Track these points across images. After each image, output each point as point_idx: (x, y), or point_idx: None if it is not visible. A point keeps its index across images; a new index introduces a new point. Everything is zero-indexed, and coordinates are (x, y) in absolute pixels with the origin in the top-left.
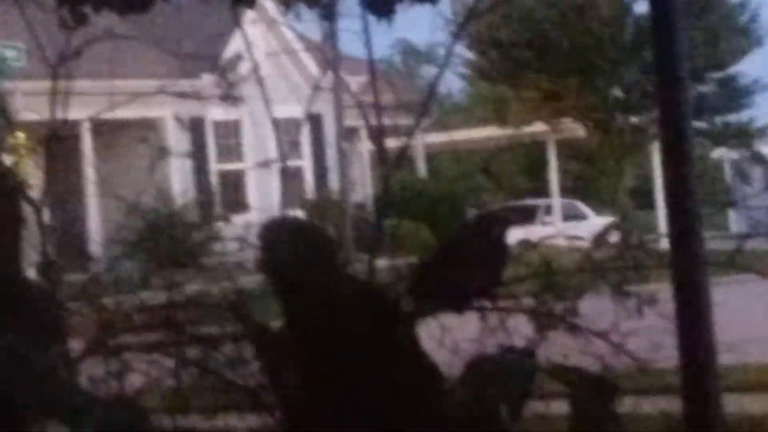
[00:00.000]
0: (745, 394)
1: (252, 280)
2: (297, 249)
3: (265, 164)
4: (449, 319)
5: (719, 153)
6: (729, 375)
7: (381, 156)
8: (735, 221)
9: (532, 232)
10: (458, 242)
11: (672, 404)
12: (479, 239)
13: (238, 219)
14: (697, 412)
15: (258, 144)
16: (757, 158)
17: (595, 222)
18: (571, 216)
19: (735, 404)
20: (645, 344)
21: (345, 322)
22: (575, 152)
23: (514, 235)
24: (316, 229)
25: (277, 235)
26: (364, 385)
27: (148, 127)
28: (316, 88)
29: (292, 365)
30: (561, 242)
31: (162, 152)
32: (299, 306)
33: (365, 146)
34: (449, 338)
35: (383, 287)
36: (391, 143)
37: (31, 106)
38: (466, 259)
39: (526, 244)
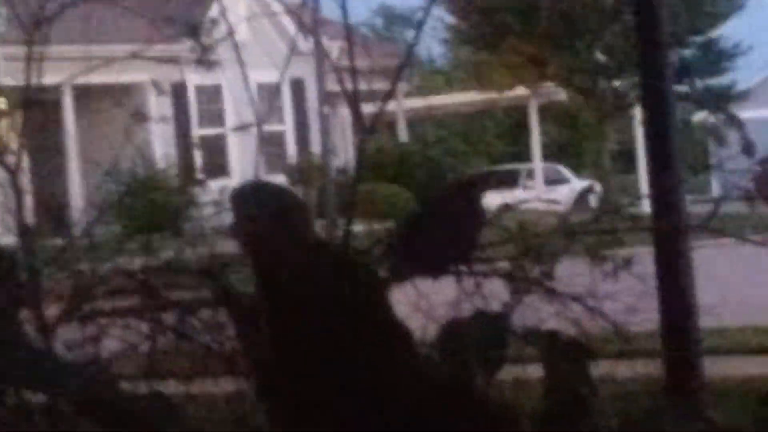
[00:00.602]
0: (724, 356)
1: (229, 245)
2: (269, 214)
3: (241, 128)
4: (425, 283)
5: (701, 117)
6: (708, 338)
7: (357, 121)
8: (717, 185)
9: (514, 196)
10: (435, 207)
11: (649, 367)
12: (456, 204)
13: (219, 183)
14: (676, 375)
15: (240, 109)
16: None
17: (576, 186)
18: (553, 180)
19: (714, 367)
20: (621, 308)
21: (317, 288)
22: (557, 117)
23: (496, 200)
24: (289, 194)
25: (249, 201)
26: (336, 352)
27: (131, 92)
28: (293, 51)
29: (265, 331)
30: (540, 206)
31: (139, 117)
32: (271, 272)
33: (347, 111)
34: (425, 303)
35: (358, 252)
36: (371, 109)
37: (9, 70)
38: (443, 224)
39: (505, 208)
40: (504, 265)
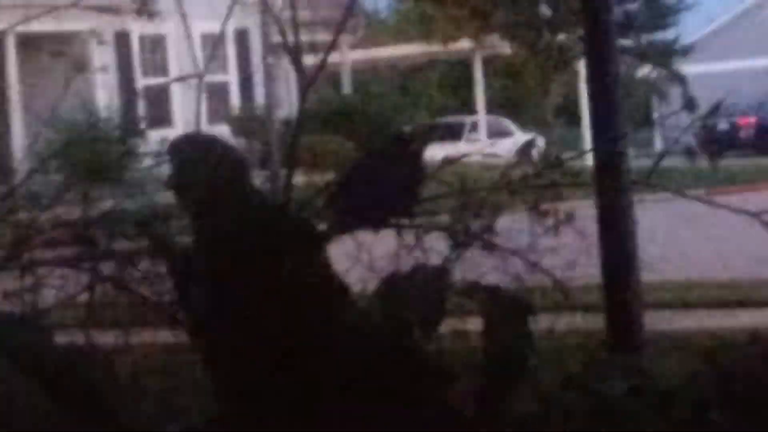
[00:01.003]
0: (665, 310)
1: (169, 196)
2: (206, 166)
3: (184, 78)
4: (365, 236)
5: (644, 71)
6: (648, 292)
7: (298, 72)
8: (659, 140)
9: (458, 148)
10: (376, 160)
11: (589, 321)
12: (397, 157)
13: (162, 133)
14: (617, 329)
15: (184, 59)
16: (676, 77)
17: (520, 139)
18: (496, 133)
19: (654, 321)
20: (562, 262)
21: (253, 239)
22: (501, 69)
23: (439, 152)
24: (226, 146)
25: (186, 152)
26: (272, 305)
27: (74, 41)
28: (236, 1)
29: (201, 283)
30: (482, 159)
31: (79, 66)
32: (208, 224)
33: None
34: (365, 256)
35: (298, 204)
36: (315, 60)
37: None
38: (384, 177)
39: (447, 161)
40: (445, 219)
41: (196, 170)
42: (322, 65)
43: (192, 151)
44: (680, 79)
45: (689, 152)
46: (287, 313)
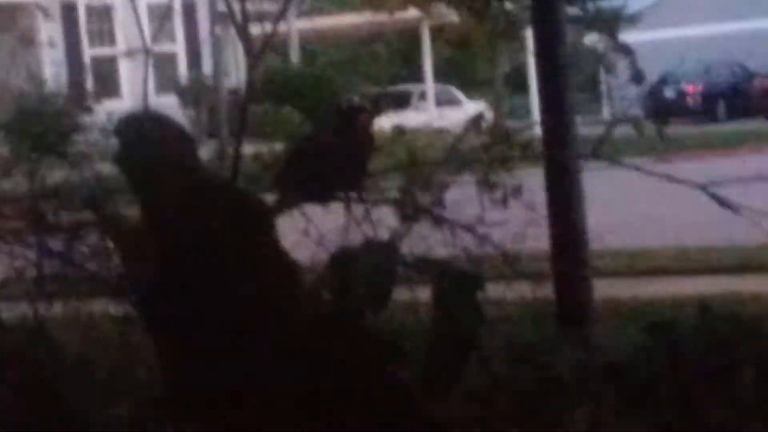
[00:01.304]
0: (613, 278)
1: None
2: (152, 144)
3: (131, 54)
4: (313, 210)
5: (592, 39)
6: (597, 260)
7: (244, 42)
8: (607, 108)
9: (406, 117)
10: (324, 132)
11: (538, 291)
12: (345, 129)
13: (111, 105)
14: (566, 298)
15: (131, 29)
16: (623, 49)
17: (469, 107)
18: (445, 101)
19: (603, 288)
20: (511, 235)
21: (200, 217)
22: (449, 38)
23: (388, 121)
24: (173, 124)
25: (133, 131)
26: (219, 281)
27: (19, 14)
28: None
29: (148, 259)
30: (431, 129)
31: (25, 41)
32: (154, 201)
33: None
34: (313, 230)
35: (247, 178)
36: (262, 30)
37: None
38: (332, 150)
39: (397, 130)
40: (393, 193)
41: (143, 147)
42: (270, 35)
43: (138, 129)
44: (627, 51)
45: (636, 123)
46: (235, 289)
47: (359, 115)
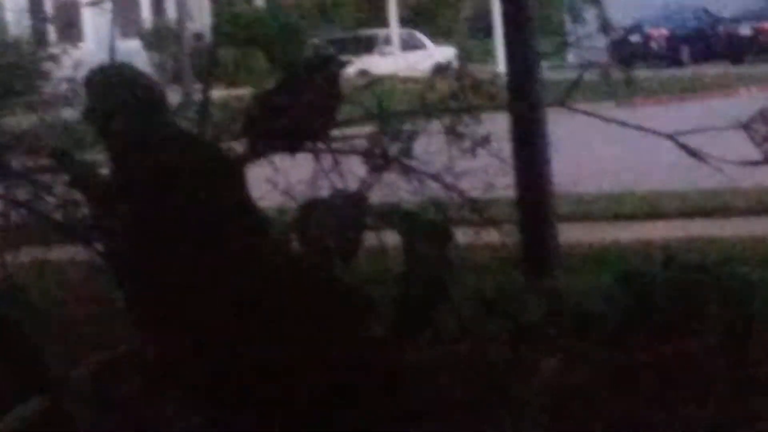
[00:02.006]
0: (578, 223)
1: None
2: (123, 99)
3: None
4: (283, 160)
5: None
6: (563, 205)
7: None
8: (573, 52)
9: (372, 62)
10: (293, 83)
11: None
12: (313, 80)
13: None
14: (532, 243)
15: None
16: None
17: (434, 52)
18: (410, 46)
19: (568, 233)
20: (477, 182)
21: (170, 170)
22: None
23: (354, 66)
24: (142, 75)
25: (103, 85)
26: (189, 232)
27: None
28: None
29: (119, 212)
30: (398, 73)
31: None
32: (123, 153)
33: None
34: (282, 180)
35: (216, 128)
36: None
37: None
38: (301, 100)
39: (364, 74)
40: (362, 142)
41: (113, 101)
42: None
43: (108, 83)
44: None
45: (601, 69)
46: (204, 240)
47: (328, 65)
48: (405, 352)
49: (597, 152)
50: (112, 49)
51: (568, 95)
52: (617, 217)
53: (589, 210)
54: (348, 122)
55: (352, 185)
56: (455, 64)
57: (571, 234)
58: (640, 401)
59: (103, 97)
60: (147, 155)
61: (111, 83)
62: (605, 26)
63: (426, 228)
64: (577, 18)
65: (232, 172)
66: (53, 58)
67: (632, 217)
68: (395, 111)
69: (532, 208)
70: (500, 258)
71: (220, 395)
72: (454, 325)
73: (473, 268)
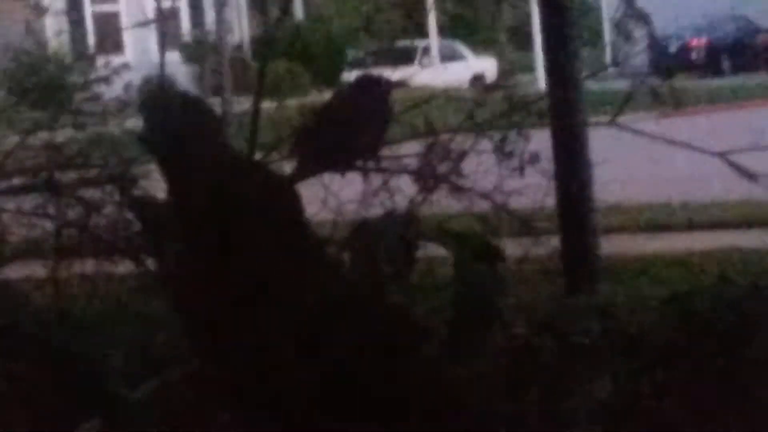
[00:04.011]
0: (619, 234)
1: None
2: (179, 124)
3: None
4: (333, 180)
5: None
6: (604, 216)
7: None
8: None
9: (411, 73)
10: (342, 102)
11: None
12: (362, 99)
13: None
14: (574, 255)
15: None
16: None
17: (473, 63)
18: (449, 57)
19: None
20: (527, 202)
21: (225, 193)
22: None
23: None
24: (197, 100)
25: (158, 107)
26: (244, 255)
27: None
28: None
29: (174, 234)
30: (437, 83)
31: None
32: (182, 180)
33: None
34: (333, 200)
35: (264, 148)
36: None
37: None
38: (350, 120)
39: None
40: (411, 160)
41: (170, 127)
42: None
43: (164, 107)
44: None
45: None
46: (260, 265)
47: (378, 85)
48: (458, 371)
49: (636, 163)
50: (162, 66)
51: (617, 114)
52: (655, 228)
53: (626, 220)
54: (398, 141)
55: (401, 205)
56: (495, 75)
57: (607, 245)
58: (693, 422)
59: (159, 123)
60: (203, 180)
61: (167, 108)
62: (654, 44)
63: (477, 248)
64: (627, 37)
65: (288, 194)
66: (105, 80)
67: (670, 228)
68: (445, 129)
69: (574, 221)
70: (543, 270)
71: (279, 417)
72: (504, 341)
73: (517, 281)
